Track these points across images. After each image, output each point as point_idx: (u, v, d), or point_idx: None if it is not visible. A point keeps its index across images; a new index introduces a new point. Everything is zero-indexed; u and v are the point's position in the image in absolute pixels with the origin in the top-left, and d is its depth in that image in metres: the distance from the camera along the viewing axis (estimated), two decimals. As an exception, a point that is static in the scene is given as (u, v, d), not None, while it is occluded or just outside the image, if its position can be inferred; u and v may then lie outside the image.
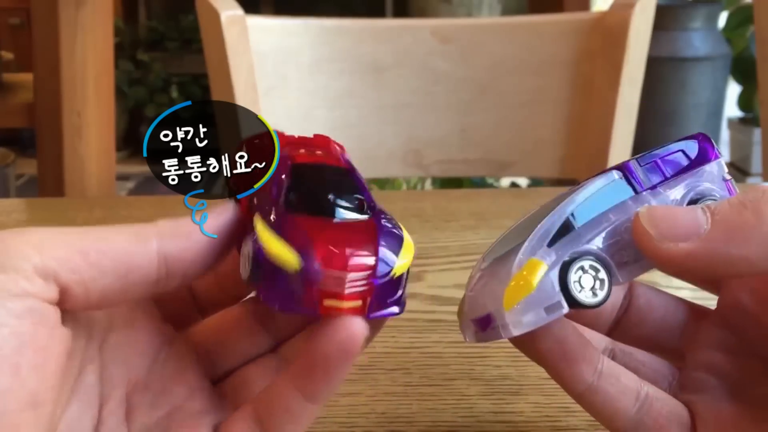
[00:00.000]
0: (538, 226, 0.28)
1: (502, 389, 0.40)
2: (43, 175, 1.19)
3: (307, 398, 0.26)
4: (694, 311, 0.33)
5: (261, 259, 0.26)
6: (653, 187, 0.29)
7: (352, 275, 0.25)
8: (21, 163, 1.84)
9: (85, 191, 1.16)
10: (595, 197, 0.28)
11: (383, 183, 1.68)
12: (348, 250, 0.25)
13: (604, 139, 0.88)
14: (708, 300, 0.34)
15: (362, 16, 0.95)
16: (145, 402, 0.29)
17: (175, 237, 0.27)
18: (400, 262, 0.26)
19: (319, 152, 0.30)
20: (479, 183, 1.82)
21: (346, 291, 0.25)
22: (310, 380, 0.26)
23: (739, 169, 2.75)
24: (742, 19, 2.59)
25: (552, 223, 0.28)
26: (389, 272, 0.26)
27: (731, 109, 2.75)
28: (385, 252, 0.26)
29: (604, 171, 0.30)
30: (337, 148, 0.32)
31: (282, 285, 0.25)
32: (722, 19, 2.59)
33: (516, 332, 0.27)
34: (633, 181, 0.29)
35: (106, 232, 0.26)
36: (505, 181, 1.98)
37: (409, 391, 0.40)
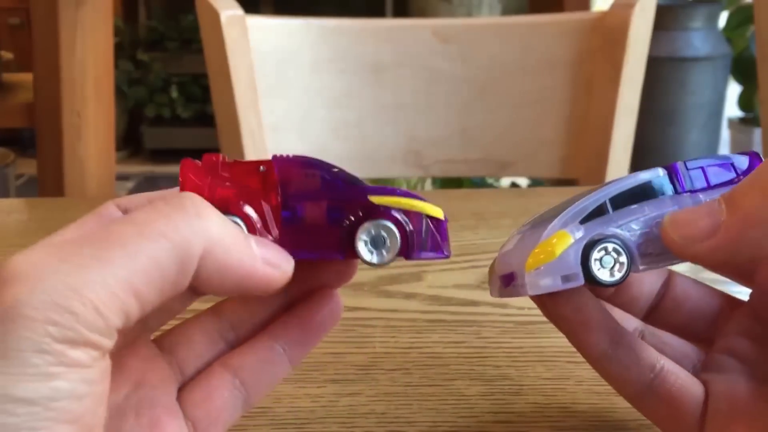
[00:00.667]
0: (576, 203, 0.30)
1: (502, 389, 0.40)
2: (43, 175, 1.19)
3: (292, 361, 0.31)
4: (729, 301, 0.34)
5: (413, 220, 0.29)
6: (694, 191, 0.30)
7: None
8: (21, 163, 1.84)
9: (85, 191, 1.16)
10: (636, 188, 0.30)
11: (383, 183, 1.68)
12: None
13: (604, 139, 0.88)
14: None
15: (362, 16, 0.95)
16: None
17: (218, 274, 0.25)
18: None
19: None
20: (479, 183, 1.82)
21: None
22: (301, 347, 0.31)
23: (739, 169, 2.74)
24: (742, 19, 2.59)
25: (589, 203, 0.30)
26: None
27: (731, 109, 2.75)
28: None
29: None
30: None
31: (432, 232, 0.29)
32: (722, 19, 2.59)
33: (531, 292, 0.29)
34: (676, 181, 0.30)
35: (154, 256, 0.24)
36: (505, 181, 1.98)
37: (409, 391, 0.40)
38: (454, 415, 0.38)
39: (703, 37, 2.46)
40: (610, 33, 0.87)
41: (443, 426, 0.37)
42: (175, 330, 0.31)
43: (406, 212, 0.29)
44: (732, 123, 2.78)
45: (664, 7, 2.33)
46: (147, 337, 0.30)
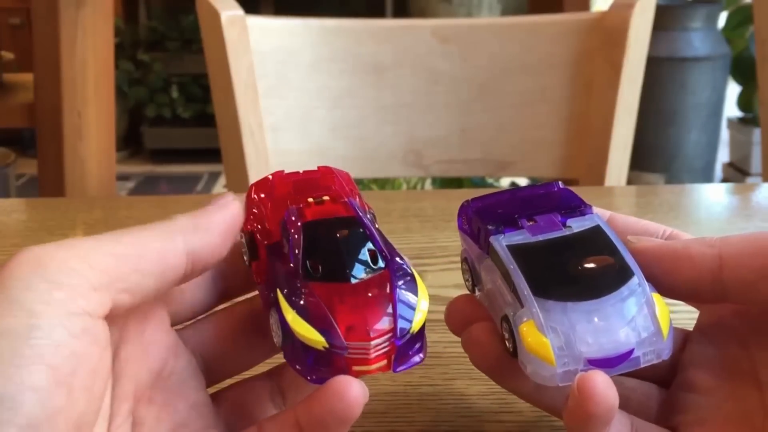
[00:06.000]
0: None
1: (502, 389, 0.40)
2: (43, 175, 1.20)
3: None
4: (679, 334, 0.33)
5: (291, 336, 0.27)
6: None
7: (375, 342, 0.27)
8: (21, 163, 1.84)
9: (85, 191, 1.16)
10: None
11: (383, 183, 1.69)
12: (369, 319, 0.27)
13: (604, 139, 0.88)
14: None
15: (362, 16, 0.95)
16: (151, 416, 0.28)
17: (197, 232, 0.28)
18: (418, 318, 0.28)
19: (326, 197, 0.31)
20: (479, 183, 1.82)
21: (372, 356, 0.27)
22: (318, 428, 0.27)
23: (738, 170, 2.75)
24: (741, 19, 2.59)
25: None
26: (408, 330, 0.28)
27: (731, 109, 2.75)
28: (402, 311, 0.28)
29: None
30: (342, 179, 0.32)
31: (312, 359, 0.27)
32: (722, 19, 2.59)
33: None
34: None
35: (138, 235, 0.27)
36: (505, 181, 1.99)
37: (409, 391, 0.40)
38: (454, 414, 0.38)
39: (702, 37, 2.46)
40: (610, 33, 0.87)
41: (443, 426, 0.37)
42: (231, 386, 0.32)
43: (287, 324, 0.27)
44: (731, 123, 2.79)
45: (664, 7, 2.34)
46: (199, 383, 0.31)
